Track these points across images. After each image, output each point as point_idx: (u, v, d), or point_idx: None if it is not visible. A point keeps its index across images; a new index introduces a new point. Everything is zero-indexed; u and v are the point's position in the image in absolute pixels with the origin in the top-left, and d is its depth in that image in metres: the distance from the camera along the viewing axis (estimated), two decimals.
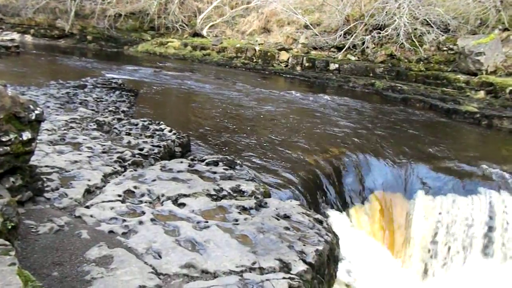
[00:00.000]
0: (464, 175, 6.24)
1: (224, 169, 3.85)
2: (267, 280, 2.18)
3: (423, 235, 5.51)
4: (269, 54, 14.78)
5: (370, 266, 4.20)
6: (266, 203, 3.21)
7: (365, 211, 5.17)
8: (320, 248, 2.60)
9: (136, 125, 5.13)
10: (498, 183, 6.12)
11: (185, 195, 3.19)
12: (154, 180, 3.42)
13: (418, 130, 8.32)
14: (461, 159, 6.72)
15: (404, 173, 6.02)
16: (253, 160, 5.11)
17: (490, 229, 5.86)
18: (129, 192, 3.17)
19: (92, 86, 7.67)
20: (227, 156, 4.27)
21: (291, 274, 2.28)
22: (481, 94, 10.95)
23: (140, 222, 2.69)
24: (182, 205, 3.05)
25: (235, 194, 3.31)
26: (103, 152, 3.95)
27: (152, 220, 2.75)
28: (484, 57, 11.11)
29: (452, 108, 10.41)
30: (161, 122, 5.32)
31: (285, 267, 2.35)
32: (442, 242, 5.62)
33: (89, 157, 3.76)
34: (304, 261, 2.43)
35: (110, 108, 6.14)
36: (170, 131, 4.93)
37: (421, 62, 12.45)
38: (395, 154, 6.42)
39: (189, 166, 3.84)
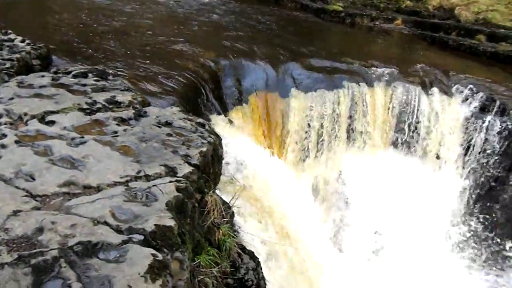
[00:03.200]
0: (331, 71, 6.81)
1: (95, 80, 3.54)
2: (154, 186, 2.20)
3: (297, 129, 6.06)
4: None
5: (252, 162, 4.53)
6: (145, 112, 3.11)
7: (245, 112, 5.40)
8: (204, 149, 2.68)
9: None
10: (359, 76, 6.86)
11: (53, 112, 2.90)
12: (11, 99, 3.01)
13: (290, 31, 8.60)
14: (329, 56, 7.26)
15: (279, 73, 6.31)
16: (127, 69, 4.79)
17: (352, 118, 6.70)
18: None
19: None
20: (96, 67, 3.91)
21: (178, 177, 2.34)
22: None
23: (3, 146, 2.40)
24: (51, 122, 2.78)
25: (110, 106, 3.12)
26: None
27: (17, 142, 2.47)
28: None
29: (320, 8, 10.88)
30: (10, 31, 4.52)
31: (171, 171, 2.39)
32: (313, 133, 6.27)
33: None
34: (189, 164, 2.49)
35: None
36: (23, 42, 4.25)
37: None
38: (269, 55, 6.62)
39: (53, 80, 3.43)
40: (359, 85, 6.65)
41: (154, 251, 1.75)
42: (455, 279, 6.60)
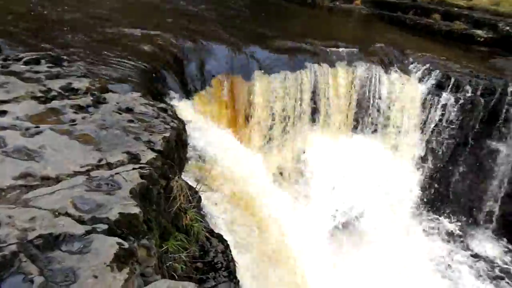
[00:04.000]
0: (294, 52, 6.83)
1: (48, 67, 3.38)
2: (117, 174, 2.15)
3: (262, 112, 6.07)
4: None
5: (216, 146, 4.51)
6: (104, 98, 3.01)
7: (209, 96, 5.34)
8: (167, 135, 2.64)
9: None
10: (321, 57, 6.92)
11: (4, 101, 2.75)
12: None
13: (251, 12, 8.52)
14: (291, 37, 7.26)
15: (242, 55, 6.26)
16: (83, 54, 4.59)
17: (315, 98, 6.77)
18: None
19: None
20: (49, 52, 3.72)
21: (141, 163, 2.29)
22: None
23: None
24: (3, 113, 2.64)
25: (67, 93, 2.99)
26: None
27: None
28: None
29: None
30: None
31: (134, 158, 2.34)
32: (278, 115, 6.30)
33: None
34: (153, 150, 2.45)
35: None
36: None
37: None
38: (232, 38, 6.55)
39: (2, 67, 3.25)
40: (321, 65, 6.72)
41: (119, 240, 1.72)
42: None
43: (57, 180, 2.08)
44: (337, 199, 6.63)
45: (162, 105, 3.15)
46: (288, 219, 5.02)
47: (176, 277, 2.17)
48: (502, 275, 7.13)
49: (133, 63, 4.72)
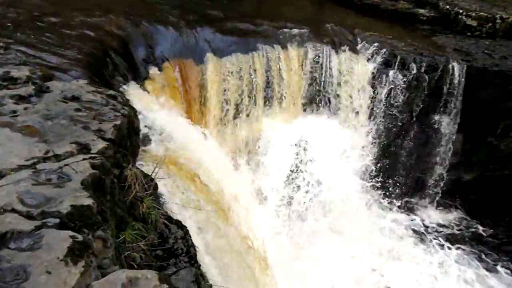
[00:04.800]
0: (245, 34, 6.78)
1: None
2: (66, 165, 2.07)
3: (216, 95, 6.01)
4: None
5: (170, 130, 4.43)
6: (48, 87, 2.85)
7: (160, 80, 5.21)
8: (118, 122, 2.56)
9: None
10: (272, 38, 6.91)
11: None
12: None
13: None
14: (242, 19, 7.19)
15: (192, 38, 6.14)
16: (22, 40, 4.28)
17: (269, 80, 6.79)
18: None
19: None
20: None
21: (92, 153, 2.21)
22: None
23: None
24: None
25: (5, 83, 2.81)
26: None
27: None
28: None
29: None
30: None
31: (84, 148, 2.25)
32: (232, 98, 6.28)
33: None
34: (103, 139, 2.37)
35: None
36: None
37: None
38: (181, 20, 6.38)
39: None
40: (273, 47, 6.72)
41: (72, 233, 1.67)
42: None
43: (0, 175, 1.97)
44: (293, 172, 6.78)
45: (111, 92, 3.04)
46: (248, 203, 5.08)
47: (136, 267, 2.14)
48: (451, 239, 7.71)
49: (78, 49, 4.49)
